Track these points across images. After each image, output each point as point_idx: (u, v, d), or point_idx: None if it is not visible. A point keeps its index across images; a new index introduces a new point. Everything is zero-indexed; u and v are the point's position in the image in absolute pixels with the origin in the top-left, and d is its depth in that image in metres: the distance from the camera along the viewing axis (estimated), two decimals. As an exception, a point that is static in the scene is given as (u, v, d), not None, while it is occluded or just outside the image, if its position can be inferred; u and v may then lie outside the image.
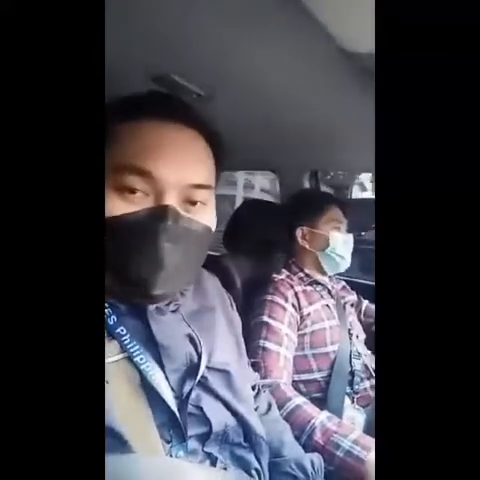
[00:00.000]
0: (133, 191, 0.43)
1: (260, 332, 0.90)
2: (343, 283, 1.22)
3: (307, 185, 1.46)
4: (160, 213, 0.42)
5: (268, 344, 0.88)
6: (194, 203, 0.46)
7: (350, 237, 1.09)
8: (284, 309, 0.94)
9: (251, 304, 0.98)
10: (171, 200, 0.43)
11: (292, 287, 1.00)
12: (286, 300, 0.96)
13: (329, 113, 0.85)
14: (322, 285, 1.07)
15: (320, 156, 1.23)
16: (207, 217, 0.48)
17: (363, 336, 1.11)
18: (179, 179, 0.44)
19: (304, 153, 1.22)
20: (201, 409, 0.47)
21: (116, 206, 0.42)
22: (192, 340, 0.50)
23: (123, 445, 0.40)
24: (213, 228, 0.49)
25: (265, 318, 0.92)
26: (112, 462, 0.39)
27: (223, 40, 0.60)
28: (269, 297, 0.96)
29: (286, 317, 0.93)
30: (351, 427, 0.75)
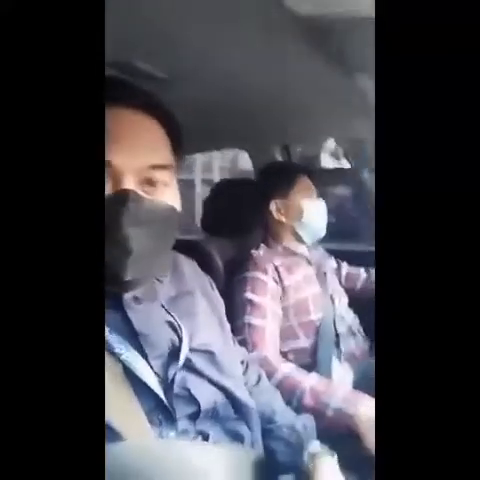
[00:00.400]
0: None
1: (244, 309, 0.92)
2: (321, 250, 1.25)
3: (279, 159, 1.47)
4: (120, 197, 0.42)
5: (253, 320, 0.90)
6: (154, 184, 0.46)
7: (322, 203, 1.11)
8: (265, 283, 0.96)
9: (233, 282, 1.00)
10: (129, 184, 0.43)
11: (271, 261, 1.01)
12: (266, 274, 0.98)
13: (293, 84, 0.85)
14: (301, 255, 1.09)
15: (289, 129, 1.24)
16: (170, 197, 0.48)
17: (346, 300, 1.15)
18: (136, 162, 0.44)
19: (274, 127, 1.22)
20: (188, 390, 0.48)
21: None
22: (172, 326, 0.51)
23: (113, 435, 0.41)
24: (178, 208, 0.50)
25: (248, 295, 0.94)
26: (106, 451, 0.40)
27: (183, 21, 0.58)
28: (250, 274, 0.98)
29: (268, 291, 0.96)
30: (339, 385, 0.79)
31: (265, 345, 0.87)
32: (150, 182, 0.46)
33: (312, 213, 1.07)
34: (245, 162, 1.52)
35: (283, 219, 1.08)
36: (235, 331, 0.73)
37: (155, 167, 0.46)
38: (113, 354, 0.45)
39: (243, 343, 0.83)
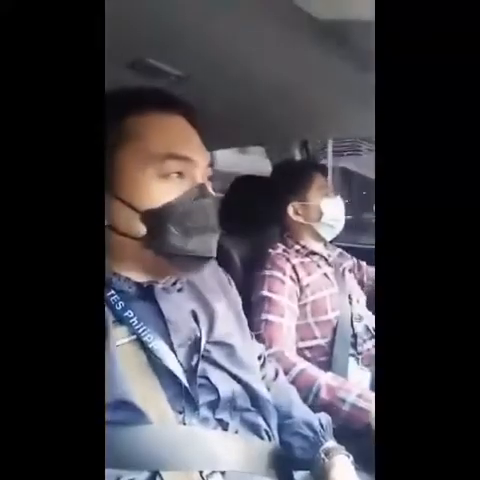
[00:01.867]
0: (179, 174, 0.50)
1: (262, 306, 0.92)
2: (339, 250, 1.24)
3: (298, 156, 1.46)
4: (202, 191, 0.50)
5: (270, 317, 0.91)
6: (208, 179, 0.54)
7: (339, 199, 1.11)
8: (283, 282, 0.96)
9: (251, 280, 1.01)
10: (201, 179, 0.51)
11: (289, 260, 1.01)
12: (284, 273, 0.98)
13: (308, 81, 0.84)
14: (319, 255, 1.08)
15: (305, 125, 1.23)
16: (211, 189, 0.54)
17: (364, 299, 1.14)
18: (204, 160, 0.52)
19: (290, 124, 1.21)
20: (208, 379, 0.50)
21: (164, 191, 0.48)
22: (195, 317, 0.53)
23: (140, 417, 0.43)
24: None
25: (265, 293, 0.95)
26: (130, 433, 0.42)
27: (197, 17, 0.59)
28: (267, 272, 0.98)
29: (285, 290, 0.95)
30: (355, 384, 0.79)
31: (282, 341, 0.88)
32: (208, 177, 0.54)
33: (331, 212, 1.07)
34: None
35: (302, 220, 1.08)
36: (252, 327, 0.74)
37: (210, 165, 0.54)
38: (141, 342, 0.47)
39: (260, 339, 0.84)
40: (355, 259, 1.25)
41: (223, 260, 0.71)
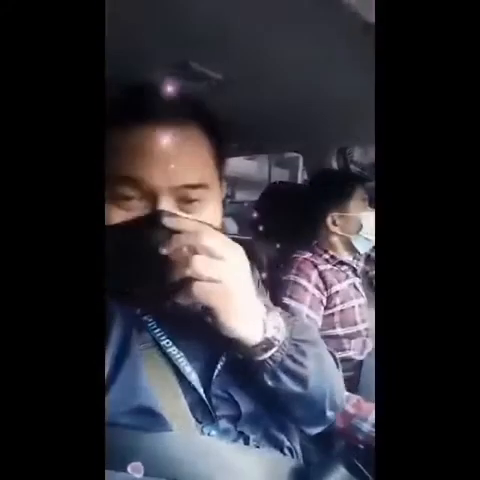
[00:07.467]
0: (128, 198, 0.43)
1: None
2: (368, 258, 1.21)
3: (334, 164, 1.43)
4: (154, 218, 0.42)
5: None
6: (191, 201, 0.45)
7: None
8: (306, 290, 0.94)
9: (274, 284, 0.98)
10: (165, 203, 0.43)
11: (316, 267, 0.99)
12: (309, 281, 0.96)
13: (349, 86, 0.82)
14: (347, 265, 1.06)
15: (343, 133, 1.20)
16: (209, 214, 0.47)
17: None
18: (172, 182, 0.43)
19: (328, 131, 1.19)
20: (229, 393, 0.48)
21: (114, 214, 0.43)
22: None
23: (160, 424, 0.42)
24: (216, 224, 0.48)
25: (286, 300, 0.93)
26: (150, 439, 0.41)
27: (239, 22, 0.59)
28: (292, 278, 0.97)
29: (307, 298, 0.93)
30: (370, 408, 0.75)
31: None
32: (187, 200, 0.45)
33: (370, 226, 1.04)
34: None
35: (339, 231, 1.05)
36: None
37: (191, 187, 0.45)
38: (160, 347, 0.46)
39: None
40: None
41: (251, 264, 0.70)
